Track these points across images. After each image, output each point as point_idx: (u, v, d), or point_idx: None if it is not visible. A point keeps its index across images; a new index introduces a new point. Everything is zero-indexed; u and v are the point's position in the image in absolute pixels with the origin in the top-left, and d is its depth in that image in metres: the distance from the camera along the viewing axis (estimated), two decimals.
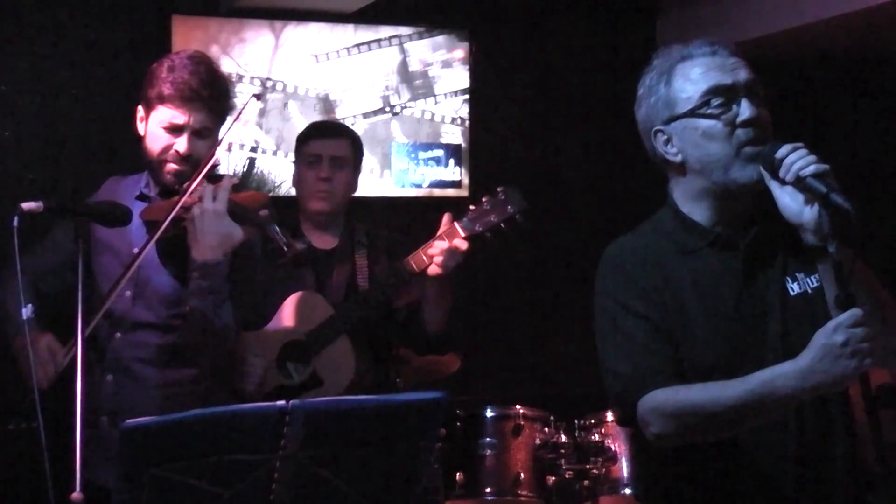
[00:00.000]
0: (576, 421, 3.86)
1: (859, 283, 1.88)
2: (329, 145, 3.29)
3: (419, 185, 4.96)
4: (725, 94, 1.98)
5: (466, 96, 5.00)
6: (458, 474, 3.73)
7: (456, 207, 3.06)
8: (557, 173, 5.22)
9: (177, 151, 2.70)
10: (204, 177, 2.62)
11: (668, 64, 2.04)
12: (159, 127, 2.71)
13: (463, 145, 5.01)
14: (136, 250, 2.64)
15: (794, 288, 2.00)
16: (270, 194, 4.33)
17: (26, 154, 4.34)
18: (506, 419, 3.78)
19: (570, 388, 4.64)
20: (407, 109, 4.93)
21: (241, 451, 1.68)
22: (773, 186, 1.94)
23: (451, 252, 2.94)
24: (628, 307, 2.00)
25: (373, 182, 4.81)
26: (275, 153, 4.73)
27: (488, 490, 3.72)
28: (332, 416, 1.75)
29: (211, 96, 2.71)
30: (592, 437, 3.80)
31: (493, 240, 2.98)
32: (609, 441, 3.77)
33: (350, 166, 3.31)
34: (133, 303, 2.77)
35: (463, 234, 2.95)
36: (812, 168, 1.87)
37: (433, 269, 2.97)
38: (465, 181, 5.00)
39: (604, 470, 3.75)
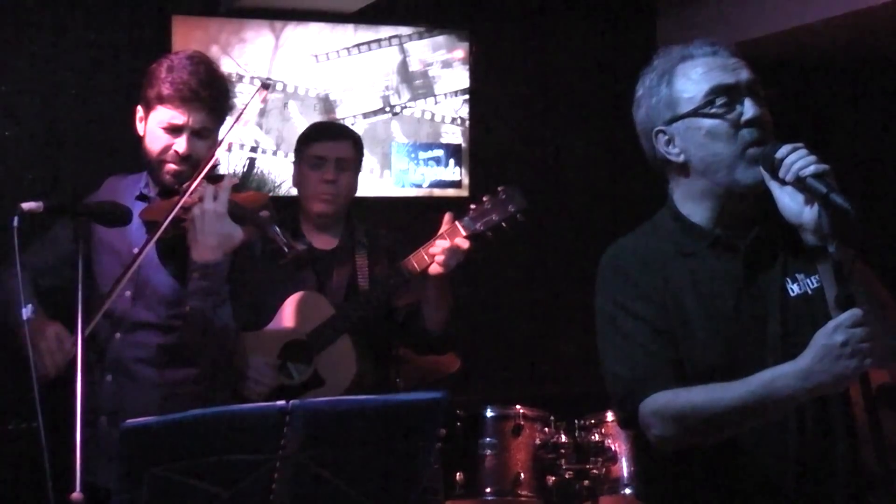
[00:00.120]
0: (576, 421, 3.86)
1: (859, 283, 1.87)
2: (334, 147, 3.28)
3: (419, 185, 4.96)
4: (728, 94, 1.97)
5: (466, 96, 5.00)
6: (458, 474, 3.74)
7: (456, 207, 3.08)
8: (557, 173, 5.22)
9: (176, 152, 2.70)
10: (204, 177, 2.62)
11: (669, 64, 2.03)
12: (158, 127, 2.71)
13: (463, 145, 5.01)
14: (136, 250, 2.64)
15: (794, 289, 2.00)
16: (270, 194, 4.32)
17: (26, 154, 4.34)
18: (506, 419, 3.79)
19: (570, 388, 4.65)
20: (407, 109, 4.93)
21: (241, 452, 1.67)
22: (773, 186, 1.93)
23: (453, 251, 2.95)
24: (628, 309, 2.00)
25: (373, 182, 4.81)
26: (275, 153, 4.73)
27: (488, 490, 3.72)
28: (332, 417, 1.75)
29: (210, 96, 2.71)
30: (592, 437, 3.80)
31: (495, 239, 2.99)
32: (609, 441, 3.77)
33: (353, 168, 3.31)
34: (133, 303, 2.77)
35: (464, 233, 2.96)
36: (812, 168, 1.86)
37: (434, 268, 2.98)
38: (465, 181, 5.00)
39: (604, 470, 3.75)
